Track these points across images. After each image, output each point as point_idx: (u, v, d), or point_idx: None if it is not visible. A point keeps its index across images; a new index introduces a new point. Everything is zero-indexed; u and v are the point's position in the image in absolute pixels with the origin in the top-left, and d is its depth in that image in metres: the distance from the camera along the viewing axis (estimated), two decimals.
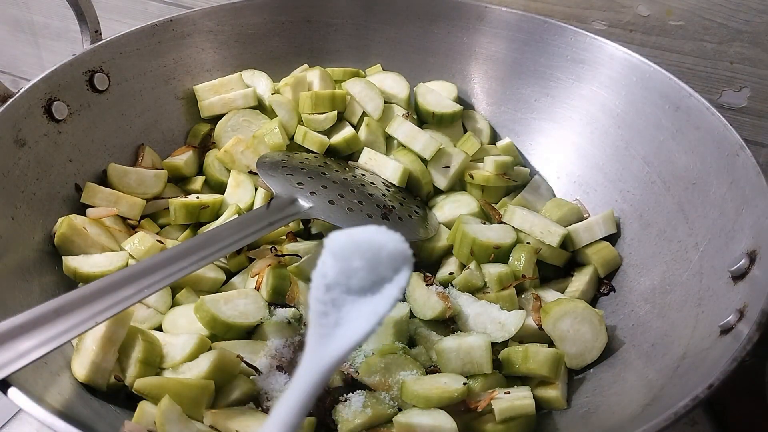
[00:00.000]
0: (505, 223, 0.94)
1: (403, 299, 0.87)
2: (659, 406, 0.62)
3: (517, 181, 1.02)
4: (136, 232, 0.91)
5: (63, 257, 0.82)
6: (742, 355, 0.59)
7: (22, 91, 0.85)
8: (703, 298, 0.73)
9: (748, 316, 0.63)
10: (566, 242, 0.91)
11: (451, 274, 0.89)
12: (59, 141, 0.89)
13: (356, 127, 1.07)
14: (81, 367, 0.70)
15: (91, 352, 0.71)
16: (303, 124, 1.05)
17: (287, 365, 0.76)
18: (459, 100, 1.09)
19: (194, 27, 1.07)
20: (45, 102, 0.87)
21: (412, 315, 0.84)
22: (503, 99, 1.09)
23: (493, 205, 0.98)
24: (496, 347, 0.79)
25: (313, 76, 1.09)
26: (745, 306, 0.64)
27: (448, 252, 0.94)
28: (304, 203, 0.87)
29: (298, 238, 0.94)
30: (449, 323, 0.84)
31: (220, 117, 1.07)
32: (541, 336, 0.81)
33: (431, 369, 0.78)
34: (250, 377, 0.75)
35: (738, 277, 0.69)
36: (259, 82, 1.10)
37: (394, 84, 1.09)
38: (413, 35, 1.12)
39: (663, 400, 0.63)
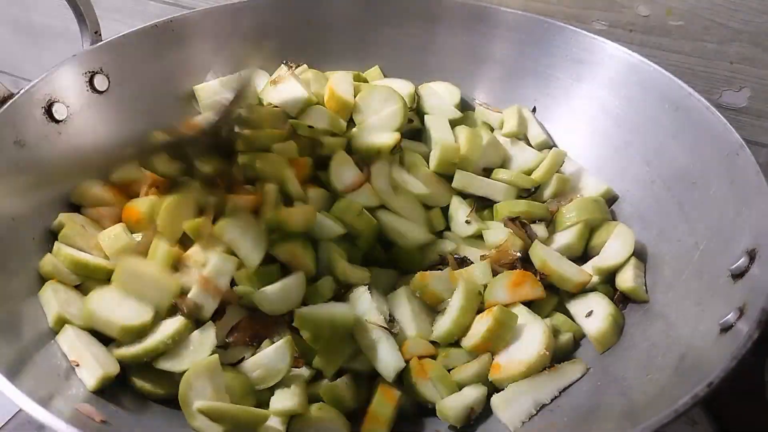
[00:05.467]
0: None
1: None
2: (659, 405, 0.62)
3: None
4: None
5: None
6: (742, 353, 0.59)
7: (22, 91, 0.85)
8: (703, 296, 0.73)
9: (748, 314, 0.63)
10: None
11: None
12: (59, 142, 0.89)
13: None
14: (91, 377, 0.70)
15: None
16: None
17: None
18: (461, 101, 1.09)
19: (194, 27, 1.07)
20: (45, 103, 0.87)
21: None
22: (503, 99, 1.09)
23: None
24: None
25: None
26: (745, 304, 0.64)
27: None
28: None
29: None
30: None
31: None
32: None
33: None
34: None
35: (738, 275, 0.69)
36: (259, 82, 1.10)
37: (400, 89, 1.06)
38: (413, 35, 1.12)
39: (663, 398, 0.63)
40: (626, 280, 0.83)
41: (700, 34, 1.02)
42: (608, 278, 0.87)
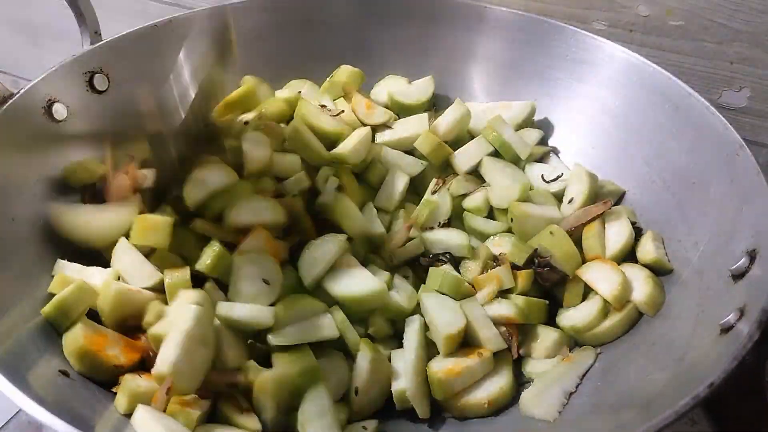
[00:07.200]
0: None
1: None
2: (659, 406, 0.62)
3: None
4: None
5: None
6: (743, 354, 0.59)
7: (22, 91, 0.85)
8: (703, 297, 0.73)
9: (748, 314, 0.63)
10: None
11: None
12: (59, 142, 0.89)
13: None
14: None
15: None
16: None
17: None
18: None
19: (194, 27, 1.06)
20: (45, 103, 0.87)
21: None
22: (503, 99, 1.08)
23: None
24: None
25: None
26: (745, 305, 0.64)
27: None
28: None
29: None
30: None
31: None
32: None
33: None
34: None
35: (738, 276, 0.69)
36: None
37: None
38: (413, 35, 1.12)
39: (663, 399, 0.63)
40: (648, 252, 0.84)
41: (700, 34, 1.02)
42: (629, 258, 0.87)
